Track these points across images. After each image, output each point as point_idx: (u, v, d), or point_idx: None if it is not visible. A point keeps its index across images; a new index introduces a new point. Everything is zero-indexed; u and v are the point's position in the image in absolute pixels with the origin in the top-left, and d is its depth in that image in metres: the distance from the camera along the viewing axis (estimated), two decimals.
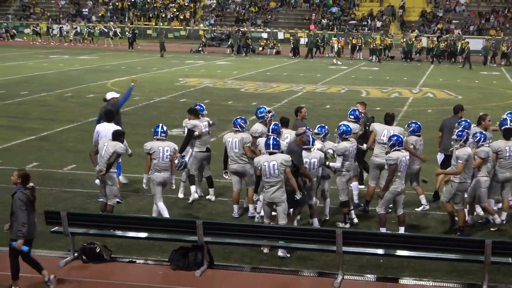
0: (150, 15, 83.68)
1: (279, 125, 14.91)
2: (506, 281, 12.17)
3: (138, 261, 12.90)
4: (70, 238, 12.78)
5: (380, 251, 12.36)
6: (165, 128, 14.86)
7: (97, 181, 15.16)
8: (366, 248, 12.34)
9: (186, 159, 15.81)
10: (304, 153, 13.99)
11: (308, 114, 17.84)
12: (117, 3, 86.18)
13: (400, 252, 12.22)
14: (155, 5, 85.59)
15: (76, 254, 12.81)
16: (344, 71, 50.05)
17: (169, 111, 28.00)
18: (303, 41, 67.31)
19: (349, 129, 15.01)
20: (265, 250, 13.28)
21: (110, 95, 18.26)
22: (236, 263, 12.92)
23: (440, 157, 16.71)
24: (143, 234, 13.06)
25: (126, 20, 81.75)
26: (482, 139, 14.71)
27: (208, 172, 16.65)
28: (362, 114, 16.97)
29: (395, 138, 14.24)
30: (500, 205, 15.63)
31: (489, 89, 40.85)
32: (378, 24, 77.16)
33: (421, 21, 77.63)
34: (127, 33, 67.82)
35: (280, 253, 13.15)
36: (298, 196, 13.18)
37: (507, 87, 42.21)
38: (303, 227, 14.08)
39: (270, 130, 14.61)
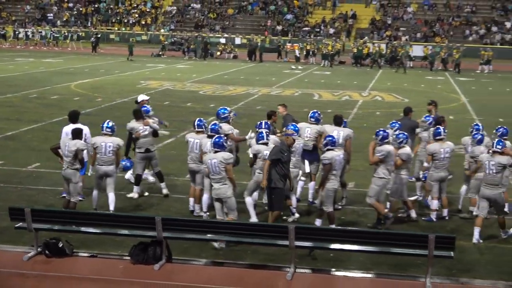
0: (113, 20, 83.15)
1: (219, 124, 15.03)
2: (447, 274, 12.34)
3: (99, 255, 12.84)
4: (33, 234, 12.69)
5: (330, 245, 12.44)
6: (111, 124, 15.17)
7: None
8: (317, 243, 12.42)
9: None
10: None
11: (263, 116, 17.95)
12: (81, 9, 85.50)
13: (349, 247, 12.30)
14: (117, 10, 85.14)
15: (39, 249, 12.70)
16: (297, 75, 50.20)
17: (131, 112, 27.61)
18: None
19: (296, 128, 15.02)
20: (216, 245, 13.33)
21: (140, 98, 18.53)
22: (194, 257, 12.93)
23: None
24: (105, 230, 13.02)
25: (90, 25, 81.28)
26: (404, 140, 15.07)
27: (157, 168, 16.74)
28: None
29: (329, 138, 14.47)
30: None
31: (434, 93, 41.16)
32: (331, 30, 77.55)
33: (371, 28, 78.19)
34: (91, 37, 67.40)
35: (216, 245, 13.28)
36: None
37: (451, 91, 42.73)
38: (258, 223, 14.12)
39: (209, 130, 14.80)
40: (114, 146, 14.82)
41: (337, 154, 14.19)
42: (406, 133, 15.44)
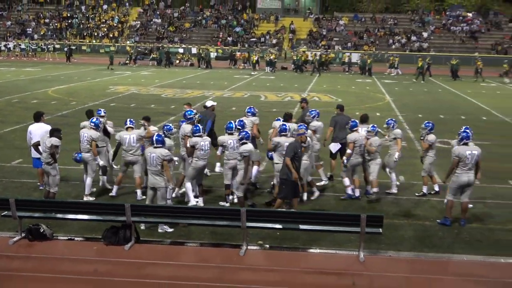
0: (85, 34, 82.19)
1: (171, 126, 15.02)
2: (377, 247, 12.48)
3: (76, 238, 12.73)
4: (18, 221, 12.56)
5: (277, 225, 12.48)
6: (95, 119, 15.69)
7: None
8: (266, 223, 12.45)
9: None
10: None
11: (218, 115, 18.06)
12: (56, 24, 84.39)
13: (293, 226, 12.36)
14: (88, 25, 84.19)
15: (23, 234, 12.59)
16: (246, 80, 50.18)
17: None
18: (212, 55, 68.11)
19: (231, 125, 15.30)
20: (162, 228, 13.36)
21: (209, 103, 18.53)
22: (159, 238, 12.89)
23: (335, 146, 16.90)
24: (80, 216, 12.91)
25: (64, 38, 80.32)
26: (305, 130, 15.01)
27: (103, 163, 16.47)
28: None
29: (244, 133, 14.53)
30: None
31: (363, 94, 41.61)
32: (274, 41, 77.75)
33: (309, 39, 78.59)
34: (65, 48, 66.77)
35: (160, 229, 13.28)
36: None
37: (377, 92, 43.14)
38: (214, 208, 14.11)
39: (164, 129, 14.80)
40: (87, 137, 15.19)
41: (252, 147, 14.33)
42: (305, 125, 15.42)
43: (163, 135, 13.97)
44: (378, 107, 33.78)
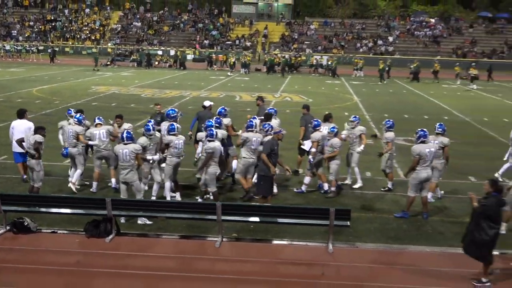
0: (68, 36, 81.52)
1: (150, 126, 14.68)
2: (345, 239, 12.55)
3: (59, 231, 12.63)
4: (2, 215, 12.46)
5: (251, 218, 12.49)
6: (78, 115, 15.79)
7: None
8: (240, 217, 12.45)
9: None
10: None
11: (192, 114, 17.98)
12: (40, 27, 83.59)
13: (268, 219, 12.38)
14: (71, 28, 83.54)
15: (8, 228, 12.49)
16: (222, 81, 50.09)
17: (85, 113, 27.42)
18: (190, 57, 68.09)
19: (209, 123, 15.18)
20: (141, 221, 13.29)
21: (207, 103, 18.28)
22: (138, 231, 12.84)
23: (309, 144, 16.85)
24: (63, 210, 12.80)
25: (48, 40, 79.64)
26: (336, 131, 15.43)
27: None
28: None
29: (209, 131, 14.40)
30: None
31: (332, 94, 41.75)
32: (248, 44, 77.74)
33: (281, 42, 78.70)
34: (49, 50, 66.24)
35: (139, 221, 13.22)
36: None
37: (346, 92, 43.32)
38: (190, 202, 14.07)
39: (144, 128, 14.69)
40: (73, 132, 15.21)
41: (217, 144, 14.18)
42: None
43: (132, 133, 13.90)
44: (346, 107, 33.93)
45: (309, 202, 15.23)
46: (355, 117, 17.06)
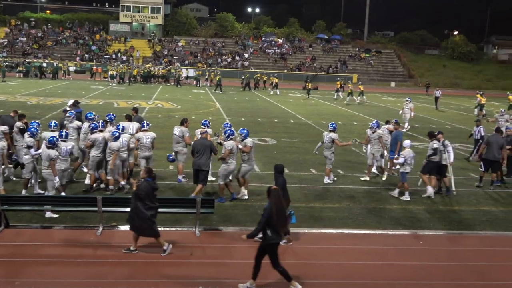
0: None
1: (37, 129, 14.52)
2: (209, 224, 12.60)
3: None
4: None
5: (128, 209, 12.23)
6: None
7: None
8: (119, 208, 12.16)
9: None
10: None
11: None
12: None
13: None
14: None
15: None
16: (101, 90, 48.67)
17: None
18: (72, 69, 65.83)
19: (119, 126, 15.38)
20: (48, 214, 12.68)
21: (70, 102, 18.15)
22: (26, 223, 12.24)
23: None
24: None
25: None
26: (231, 136, 14.72)
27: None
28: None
29: (113, 132, 14.55)
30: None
31: (198, 102, 41.79)
32: (124, 58, 76.10)
33: (153, 57, 77.75)
34: None
35: (47, 215, 12.71)
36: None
37: (209, 100, 43.51)
38: (74, 196, 13.59)
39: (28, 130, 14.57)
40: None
41: (119, 143, 14.39)
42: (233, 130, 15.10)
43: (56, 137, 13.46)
44: (210, 112, 34.09)
45: (178, 194, 15.16)
46: (226, 124, 16.85)
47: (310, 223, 13.17)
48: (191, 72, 65.88)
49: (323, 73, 75.46)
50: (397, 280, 10.20)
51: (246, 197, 14.83)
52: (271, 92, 52.51)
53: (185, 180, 16.28)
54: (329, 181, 17.06)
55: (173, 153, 16.14)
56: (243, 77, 58.87)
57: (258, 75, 60.09)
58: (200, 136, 15.16)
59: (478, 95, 40.77)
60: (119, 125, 15.46)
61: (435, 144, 16.04)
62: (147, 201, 10.60)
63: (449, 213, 14.62)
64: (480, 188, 17.48)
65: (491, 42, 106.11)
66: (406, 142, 16.21)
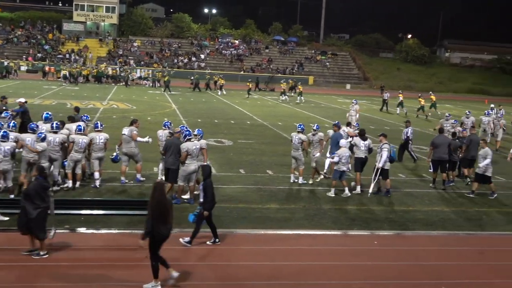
0: None
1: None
2: None
3: None
4: None
5: (82, 211, 12.06)
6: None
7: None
8: (71, 210, 11.97)
9: None
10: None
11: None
12: None
13: (96, 212, 12.02)
14: None
15: None
16: (54, 90, 47.67)
17: None
18: (24, 68, 64.45)
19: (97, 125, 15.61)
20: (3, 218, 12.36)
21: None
22: None
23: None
24: None
25: None
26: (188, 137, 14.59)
27: None
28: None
29: (78, 127, 14.94)
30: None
31: (154, 102, 41.45)
32: (78, 57, 74.83)
33: (108, 57, 76.68)
34: None
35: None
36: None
37: (165, 101, 43.15)
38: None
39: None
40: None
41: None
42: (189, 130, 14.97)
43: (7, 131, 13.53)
44: (166, 113, 33.82)
45: (131, 196, 14.99)
46: (182, 127, 16.42)
47: (266, 224, 13.19)
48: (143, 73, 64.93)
49: (279, 74, 75.80)
50: (352, 280, 10.31)
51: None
52: (219, 93, 52.54)
53: (143, 179, 16.09)
54: (304, 182, 17.28)
55: (116, 154, 16.03)
56: (192, 78, 58.45)
57: (208, 75, 59.90)
58: (162, 136, 15.61)
59: (420, 99, 42.09)
60: (41, 133, 14.57)
61: (351, 141, 17.31)
62: (36, 200, 10.27)
63: (403, 213, 14.88)
64: (434, 188, 17.86)
65: (443, 46, 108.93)
66: (342, 142, 16.64)
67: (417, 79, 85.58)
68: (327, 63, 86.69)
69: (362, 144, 16.86)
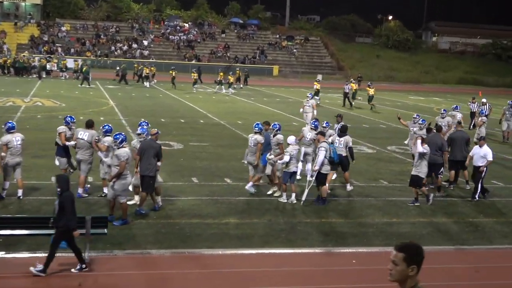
0: None
1: None
2: (103, 248, 12.33)
3: None
4: None
5: (24, 231, 11.86)
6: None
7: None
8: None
9: None
10: None
11: None
12: None
13: (21, 232, 11.83)
14: None
15: None
16: None
17: None
18: None
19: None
20: None
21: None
22: None
23: None
24: None
25: None
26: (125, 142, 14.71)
27: None
28: None
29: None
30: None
31: (87, 99, 41.05)
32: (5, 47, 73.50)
33: (31, 44, 75.56)
34: None
35: None
36: None
37: (101, 97, 42.82)
38: None
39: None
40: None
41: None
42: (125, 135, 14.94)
43: None
44: (102, 112, 33.55)
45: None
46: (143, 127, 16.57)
47: (224, 242, 13.20)
48: (70, 63, 63.16)
49: (238, 64, 75.87)
50: None
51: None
52: (147, 85, 52.54)
53: (86, 195, 15.92)
54: (254, 191, 17.27)
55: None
56: (118, 68, 57.79)
57: (136, 65, 59.47)
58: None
59: (368, 88, 44.16)
60: None
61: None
62: None
63: (385, 226, 15.06)
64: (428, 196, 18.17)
65: (430, 29, 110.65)
66: (291, 139, 16.89)
67: (400, 68, 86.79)
68: (295, 50, 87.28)
69: (337, 140, 17.95)
